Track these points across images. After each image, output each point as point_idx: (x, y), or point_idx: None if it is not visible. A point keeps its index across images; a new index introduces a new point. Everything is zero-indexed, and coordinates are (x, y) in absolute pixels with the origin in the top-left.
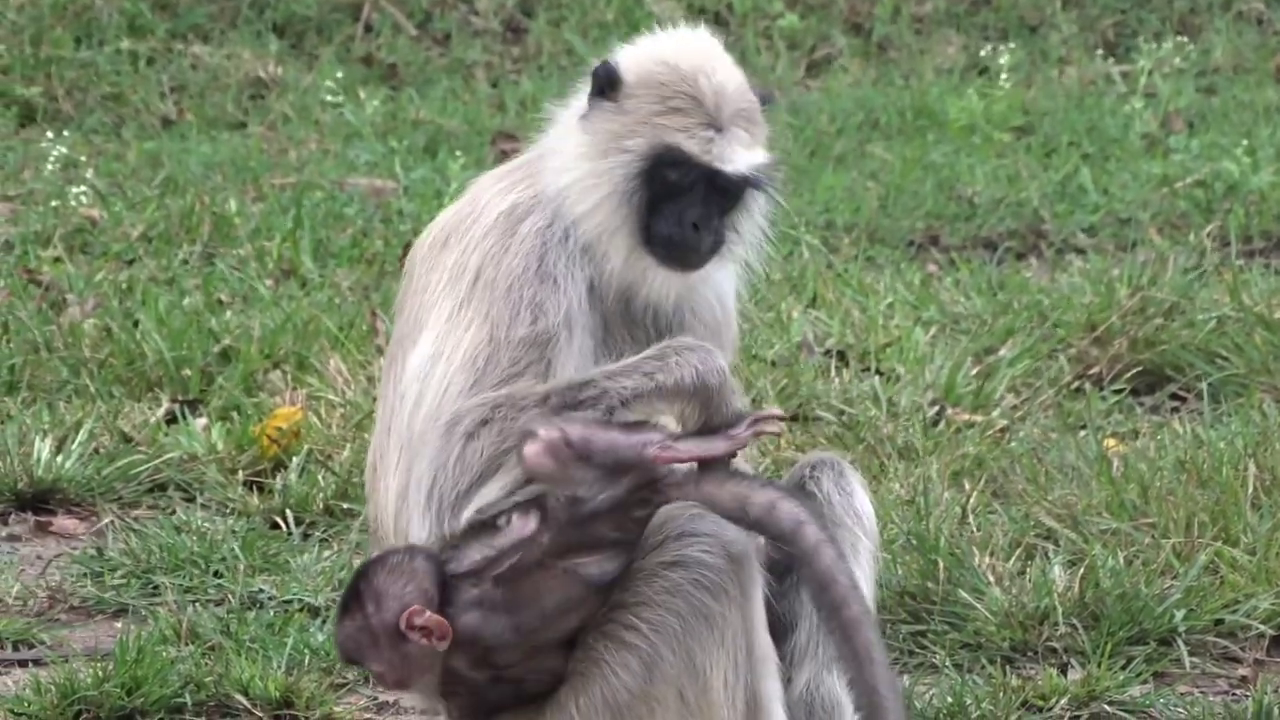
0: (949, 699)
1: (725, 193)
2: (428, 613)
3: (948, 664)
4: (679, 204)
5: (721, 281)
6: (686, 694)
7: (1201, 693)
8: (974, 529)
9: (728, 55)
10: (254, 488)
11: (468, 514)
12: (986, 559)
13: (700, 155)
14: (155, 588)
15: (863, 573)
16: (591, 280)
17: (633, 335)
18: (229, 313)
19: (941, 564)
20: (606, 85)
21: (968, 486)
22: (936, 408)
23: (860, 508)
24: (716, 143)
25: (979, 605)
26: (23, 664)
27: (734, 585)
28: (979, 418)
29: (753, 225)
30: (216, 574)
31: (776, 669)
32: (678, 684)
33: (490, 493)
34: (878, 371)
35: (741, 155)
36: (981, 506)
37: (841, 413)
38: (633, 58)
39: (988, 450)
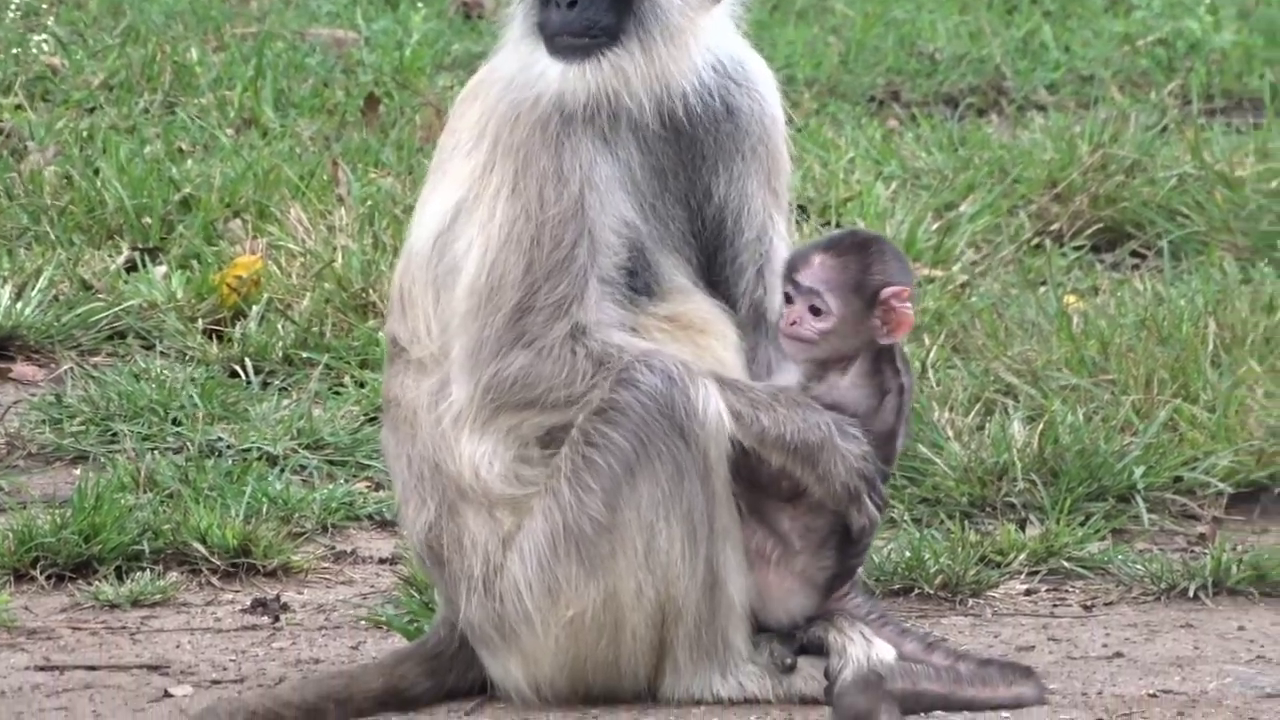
0: (907, 553)
1: None
2: (910, 303)
3: (906, 519)
4: None
5: (736, 94)
6: (642, 546)
7: (1160, 550)
8: (933, 384)
9: None
10: (213, 336)
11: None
12: (946, 414)
13: None
14: (114, 435)
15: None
16: (593, 129)
17: (666, 170)
18: (190, 161)
19: None
20: None
21: (927, 341)
22: None
23: None
24: None
25: (938, 460)
26: None
27: (687, 453)
28: (939, 272)
29: (661, 14)
30: (175, 422)
31: (739, 546)
32: (638, 534)
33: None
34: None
35: None
36: (941, 361)
37: None
38: None
39: (948, 305)
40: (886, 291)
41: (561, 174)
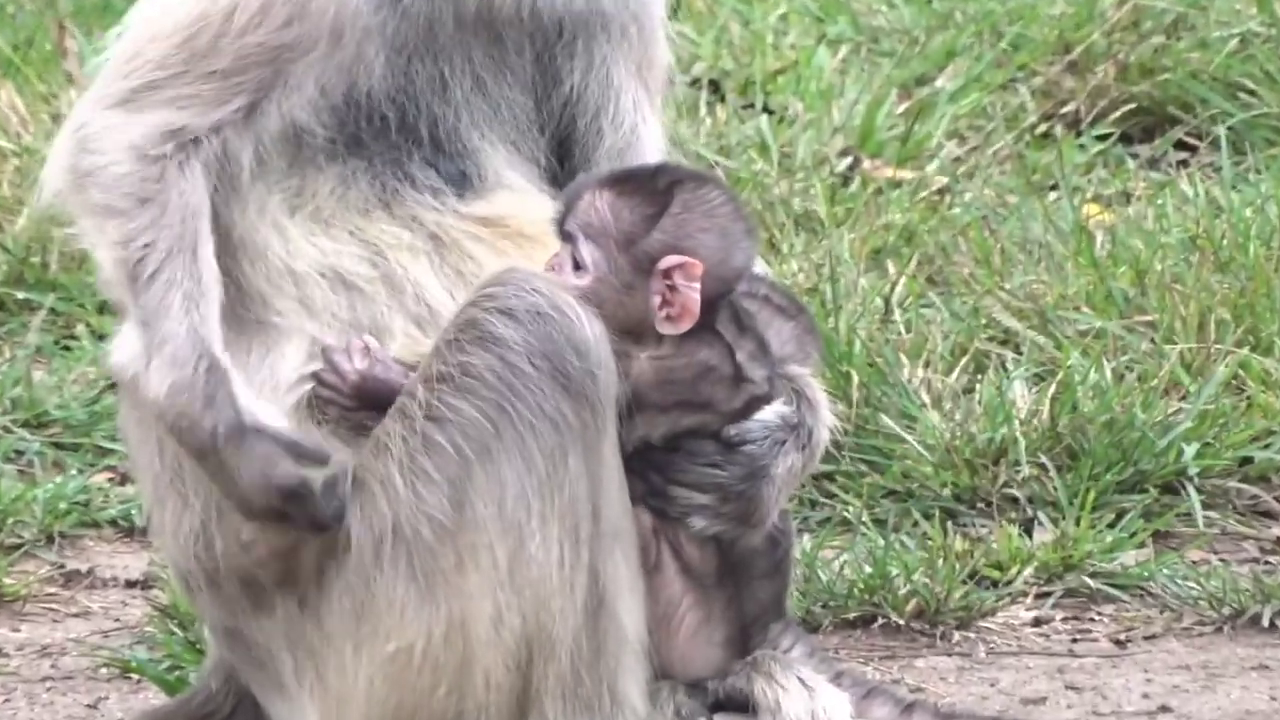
0: (866, 569)
1: None
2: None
3: (865, 520)
4: None
5: None
6: (504, 554)
7: (1221, 561)
8: (902, 329)
9: None
10: None
11: None
12: (920, 371)
13: None
14: None
15: None
16: None
17: (498, 58)
18: None
19: (856, 378)
20: None
21: (893, 270)
22: (849, 160)
23: None
24: None
25: (909, 437)
26: None
27: (575, 420)
28: (908, 174)
29: None
30: None
31: (634, 551)
32: (499, 538)
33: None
34: (766, 109)
35: None
36: (913, 298)
37: (714, 166)
38: None
39: (920, 220)
40: (665, 261)
41: None
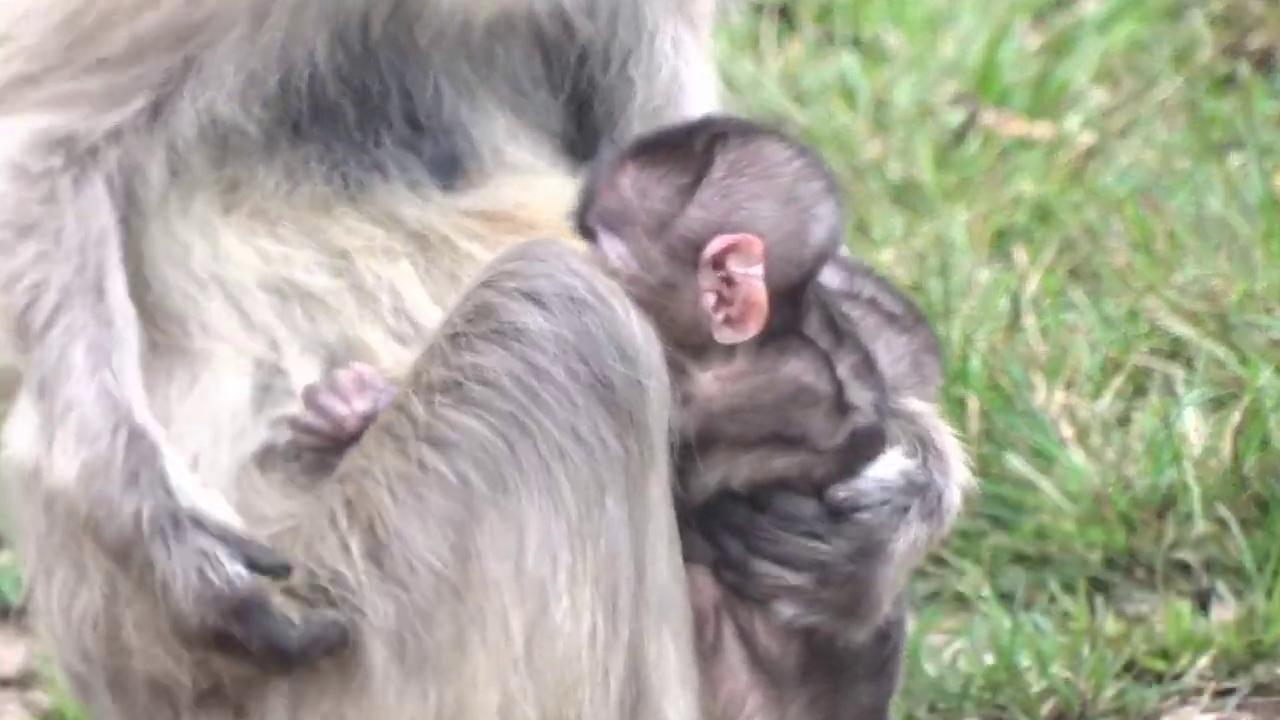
0: (988, 658)
1: None
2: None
3: (986, 594)
4: None
5: None
6: (520, 624)
7: None
8: (1033, 340)
9: None
10: None
11: None
12: (1059, 396)
13: None
14: None
15: None
16: None
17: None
18: None
19: (974, 404)
20: None
21: (1023, 259)
22: (963, 111)
23: None
24: None
25: (1043, 484)
26: None
27: (617, 445)
28: (1043, 132)
29: None
30: None
31: (686, 626)
32: (514, 603)
33: None
34: (854, 43)
35: None
36: (1050, 298)
37: (787, 121)
38: None
39: (1059, 192)
40: (712, 245)
41: None
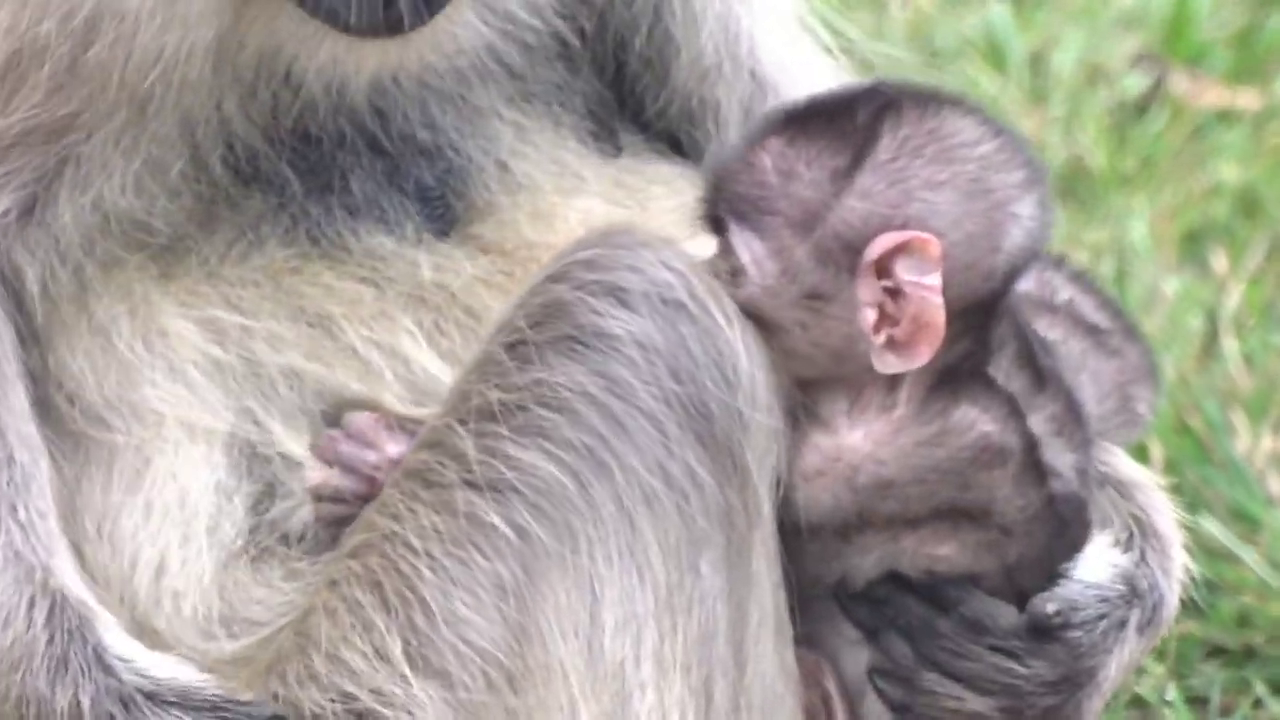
0: None
1: None
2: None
3: (1171, 696)
4: None
5: None
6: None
7: None
8: (1236, 366)
9: None
10: None
11: None
12: (1266, 440)
13: None
14: None
15: None
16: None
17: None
18: None
19: (1159, 451)
20: None
21: (1221, 265)
22: (1146, 76)
23: None
24: None
25: (1247, 553)
26: None
27: (717, 494)
28: (1247, 98)
29: None
30: None
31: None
32: (575, 687)
33: None
34: None
35: None
36: (1256, 315)
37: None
38: None
39: (1267, 178)
40: (876, 245)
41: None
